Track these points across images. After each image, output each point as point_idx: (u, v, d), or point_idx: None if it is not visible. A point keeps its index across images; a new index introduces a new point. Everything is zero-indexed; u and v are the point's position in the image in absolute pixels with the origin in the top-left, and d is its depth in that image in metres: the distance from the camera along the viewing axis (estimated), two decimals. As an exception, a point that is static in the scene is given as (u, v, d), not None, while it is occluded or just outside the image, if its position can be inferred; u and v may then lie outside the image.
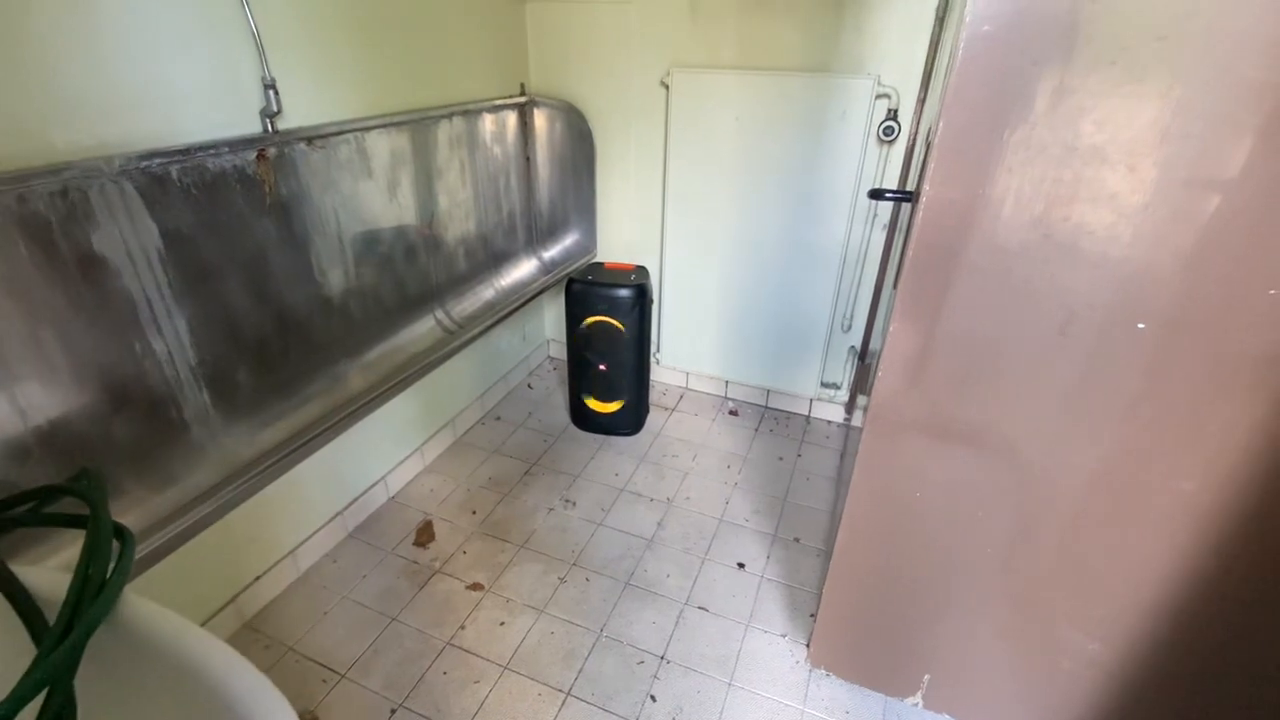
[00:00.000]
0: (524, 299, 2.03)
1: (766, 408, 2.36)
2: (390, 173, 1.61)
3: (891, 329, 0.97)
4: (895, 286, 1.02)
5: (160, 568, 1.14)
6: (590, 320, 1.99)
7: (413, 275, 1.77)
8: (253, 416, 1.37)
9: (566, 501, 1.88)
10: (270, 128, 1.29)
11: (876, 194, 0.99)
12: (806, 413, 2.32)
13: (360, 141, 1.51)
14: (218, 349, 1.28)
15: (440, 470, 2.01)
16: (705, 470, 2.03)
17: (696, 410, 2.34)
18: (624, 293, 1.94)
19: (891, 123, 1.68)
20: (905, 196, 0.91)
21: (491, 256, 2.10)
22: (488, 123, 1.95)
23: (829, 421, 2.28)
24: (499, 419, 2.27)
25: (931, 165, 0.86)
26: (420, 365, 1.68)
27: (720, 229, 2.07)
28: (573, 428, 2.22)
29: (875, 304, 2.00)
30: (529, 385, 2.48)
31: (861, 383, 2.11)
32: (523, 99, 2.07)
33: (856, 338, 2.12)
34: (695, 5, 1.85)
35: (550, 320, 2.62)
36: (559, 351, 2.65)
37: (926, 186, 0.87)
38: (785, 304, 2.09)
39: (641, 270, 2.09)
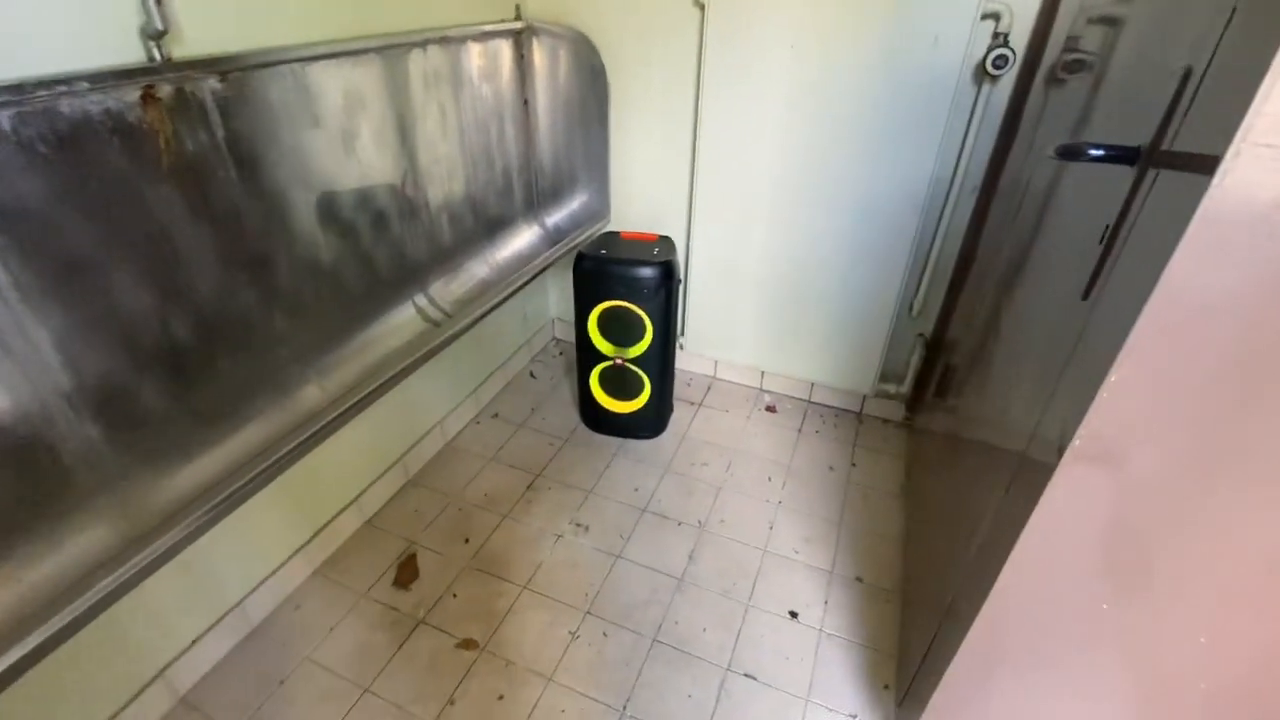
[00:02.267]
0: (525, 278, 1.67)
1: (810, 403, 2.02)
2: (345, 119, 1.23)
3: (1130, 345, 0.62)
4: (1086, 296, 0.66)
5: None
6: (605, 305, 1.63)
7: (384, 252, 1.41)
8: (168, 450, 1.04)
9: (578, 526, 1.57)
10: (159, 55, 0.91)
11: (1071, 152, 0.62)
12: (858, 409, 1.98)
13: (300, 77, 1.12)
14: (105, 365, 0.94)
15: (427, 484, 1.69)
16: (741, 483, 1.70)
17: (728, 405, 2.00)
18: (647, 273, 1.57)
19: (1004, 50, 1.27)
20: (1133, 156, 0.53)
21: (483, 225, 1.72)
22: (474, 55, 1.55)
23: (885, 421, 1.94)
24: (496, 417, 1.94)
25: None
26: (399, 367, 1.34)
27: (765, 190, 1.68)
28: (583, 429, 1.89)
29: (958, 285, 1.63)
30: (531, 374, 2.14)
31: (929, 377, 1.76)
32: (518, 25, 1.66)
33: (926, 324, 1.75)
34: (741, -104, 1.42)
35: (555, 296, 2.25)
36: (566, 333, 2.29)
37: (1241, 139, 0.49)
38: (842, 282, 1.72)
39: (666, 242, 1.71)
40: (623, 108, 1.77)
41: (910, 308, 1.71)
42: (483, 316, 1.56)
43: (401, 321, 1.48)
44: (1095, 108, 0.86)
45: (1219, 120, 0.49)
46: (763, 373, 2.04)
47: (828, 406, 2.00)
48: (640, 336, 1.67)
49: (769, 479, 1.72)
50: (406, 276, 1.49)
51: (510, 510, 1.61)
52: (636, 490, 1.67)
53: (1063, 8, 1.24)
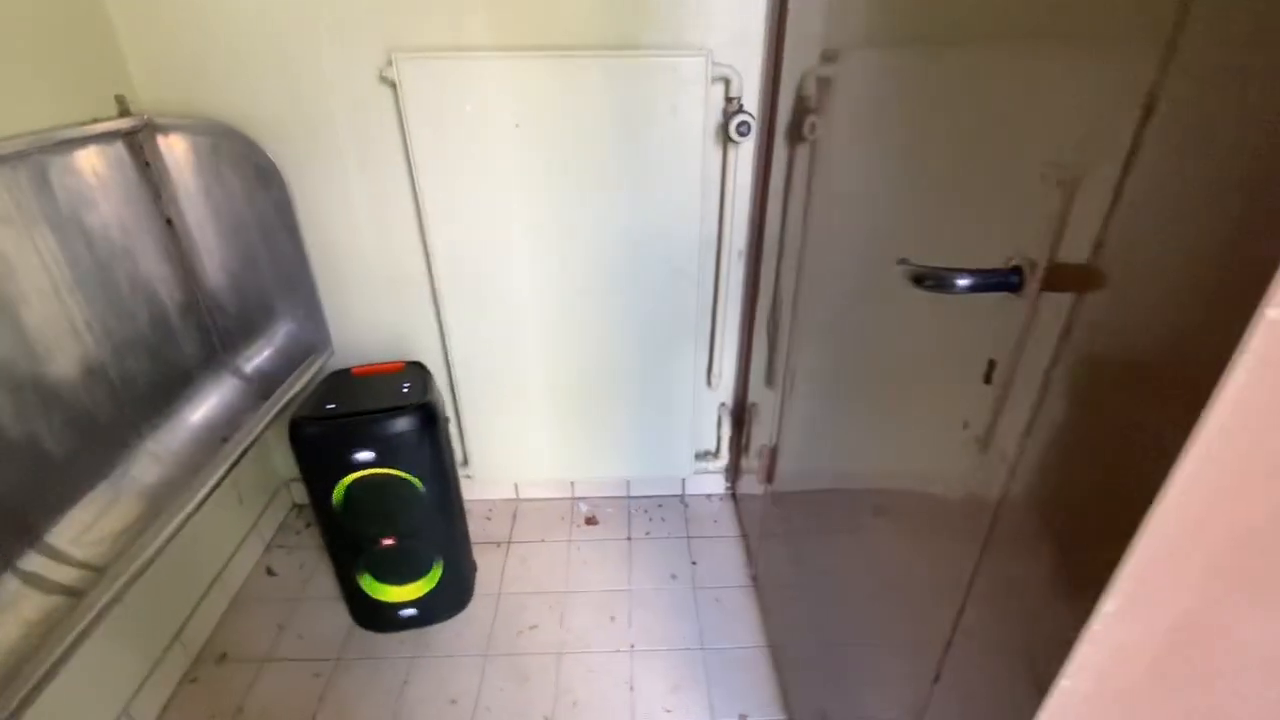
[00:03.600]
0: (224, 465, 1.15)
1: (630, 498, 1.79)
2: None
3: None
4: (985, 447, 0.50)
5: None
6: (351, 479, 1.20)
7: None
8: None
9: (382, 800, 1.11)
10: None
11: (935, 282, 0.47)
12: (680, 493, 1.80)
13: None
14: None
15: (115, 831, 1.07)
16: (583, 637, 1.39)
17: (541, 532, 1.68)
18: (402, 424, 1.19)
19: (745, 116, 1.18)
20: (1014, 281, 0.41)
21: (137, 402, 1.18)
22: (65, 172, 1.04)
23: (709, 496, 1.80)
24: (224, 659, 1.35)
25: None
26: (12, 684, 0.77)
27: (524, 287, 1.41)
28: (360, 633, 1.40)
29: (746, 349, 1.54)
30: (270, 571, 1.57)
31: (740, 443, 1.65)
32: (127, 123, 1.16)
33: (726, 393, 1.64)
34: (411, -50, 1.14)
35: (284, 452, 1.71)
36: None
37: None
38: (635, 370, 1.52)
39: (417, 372, 1.35)
40: (316, 209, 1.36)
41: (708, 380, 1.58)
42: (163, 547, 1.03)
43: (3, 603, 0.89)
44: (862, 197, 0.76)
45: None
46: (573, 482, 1.76)
47: (649, 497, 1.79)
48: (411, 505, 1.27)
49: (612, 619, 1.44)
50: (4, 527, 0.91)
51: (269, 819, 1.08)
52: (454, 703, 1.26)
53: (786, 66, 1.19)
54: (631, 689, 1.29)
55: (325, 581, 1.53)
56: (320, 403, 1.23)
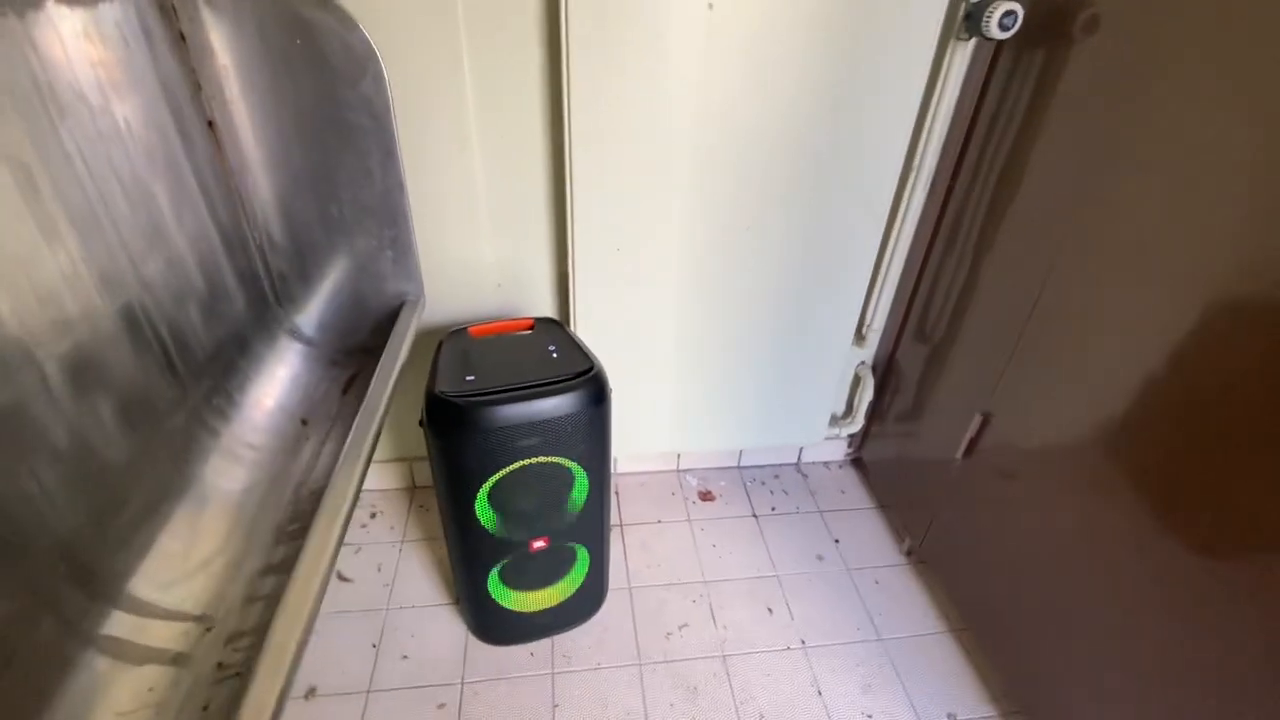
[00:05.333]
0: (355, 474, 0.84)
1: (741, 468, 1.59)
2: None
3: None
4: None
5: None
6: (504, 472, 0.93)
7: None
8: None
9: None
10: None
11: None
12: (796, 461, 1.62)
13: None
14: None
15: None
16: (744, 634, 1.21)
17: (656, 513, 1.46)
18: (572, 401, 0.91)
19: (1012, 4, 0.93)
20: None
21: (196, 373, 0.85)
22: (69, 41, 0.67)
23: (827, 464, 1.62)
24: (315, 693, 1.08)
25: None
26: None
27: (681, 217, 1.13)
28: (480, 646, 1.16)
29: (913, 298, 1.33)
30: (340, 577, 1.28)
31: (882, 406, 1.47)
32: (159, -31, 0.79)
33: (869, 351, 1.44)
34: None
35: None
36: (382, 480, 1.45)
37: None
38: (782, 320, 1.29)
39: (554, 330, 1.07)
40: (417, 114, 1.02)
41: (860, 335, 1.37)
42: (319, 598, 0.73)
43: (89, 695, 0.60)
44: None
45: None
46: (679, 455, 1.54)
47: (762, 467, 1.60)
48: (567, 499, 1.01)
49: (770, 610, 1.25)
50: (55, 591, 0.60)
51: None
52: (623, 727, 1.06)
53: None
54: (819, 692, 1.12)
55: (418, 585, 1.26)
56: (454, 375, 0.93)
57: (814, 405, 1.43)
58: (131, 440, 0.73)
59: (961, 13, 0.99)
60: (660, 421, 1.39)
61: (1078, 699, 0.92)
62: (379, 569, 1.29)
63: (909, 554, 1.37)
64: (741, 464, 1.59)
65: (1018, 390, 1.03)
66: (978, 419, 1.11)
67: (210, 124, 0.92)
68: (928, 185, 1.21)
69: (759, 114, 1.03)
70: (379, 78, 0.92)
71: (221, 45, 0.88)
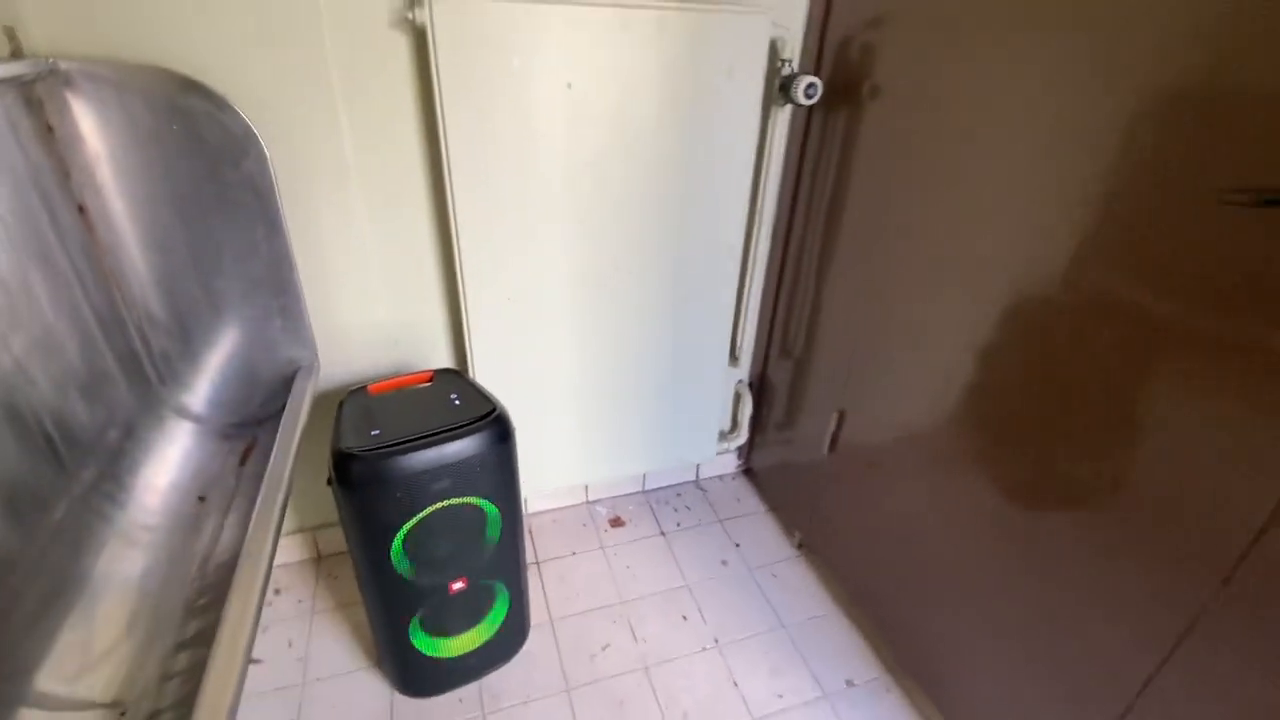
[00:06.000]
0: (266, 546, 0.85)
1: (646, 492, 1.70)
2: None
3: None
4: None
5: None
6: (416, 519, 0.97)
7: None
8: None
9: None
10: None
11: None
12: (695, 478, 1.75)
13: None
14: None
15: None
16: (663, 643, 1.29)
17: (568, 544, 1.52)
18: (479, 441, 0.98)
19: (811, 79, 1.14)
20: None
21: (83, 459, 0.84)
22: None
23: (722, 477, 1.77)
24: (234, 783, 1.03)
25: None
26: None
27: (566, 266, 1.23)
28: (406, 702, 1.16)
29: (770, 322, 1.52)
30: (253, 661, 1.22)
31: (761, 418, 1.64)
32: (20, 69, 0.80)
33: (744, 370, 1.62)
34: None
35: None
36: (283, 554, 1.40)
37: None
38: (668, 356, 1.43)
39: (454, 380, 1.13)
40: (297, 189, 1.07)
41: (733, 357, 1.54)
42: (245, 663, 0.74)
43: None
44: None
45: None
46: (586, 486, 1.62)
47: (666, 488, 1.71)
48: (481, 536, 1.06)
49: (684, 618, 1.35)
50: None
51: None
52: (558, 752, 1.10)
53: (831, 27, 1.19)
54: (735, 684, 1.22)
55: (335, 654, 1.23)
56: (357, 430, 0.97)
57: (703, 424, 1.57)
58: (19, 533, 0.71)
59: (776, 85, 1.21)
60: (566, 456, 1.47)
61: (948, 649, 1.09)
62: (289, 644, 1.25)
63: (800, 546, 1.53)
64: (646, 487, 1.70)
65: (861, 388, 1.22)
66: (835, 416, 1.30)
67: (81, 209, 0.92)
68: (771, 225, 1.41)
69: (624, 173, 1.18)
70: (261, 157, 0.97)
71: (92, 133, 0.90)
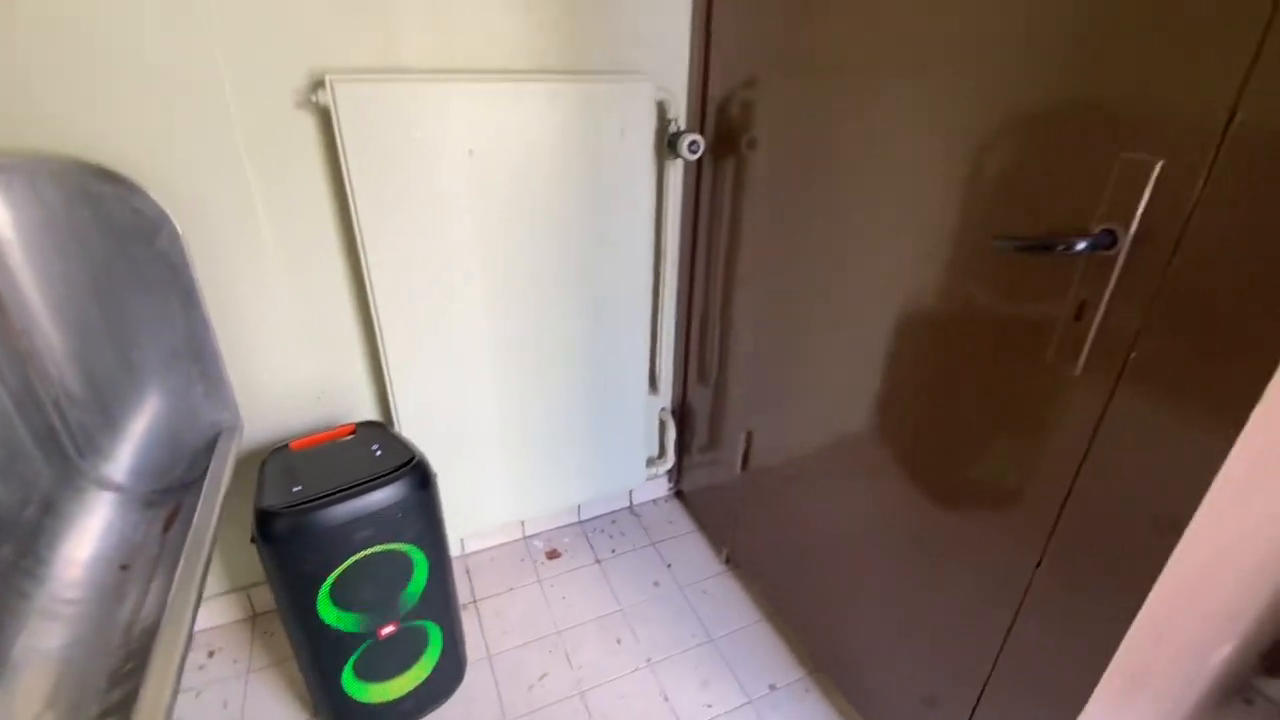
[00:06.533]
0: (187, 610, 0.88)
1: (582, 522, 1.76)
2: None
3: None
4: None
5: None
6: (340, 570, 1.02)
7: None
8: None
9: None
10: None
11: (1037, 245, 0.60)
12: (628, 504, 1.82)
13: None
14: None
15: None
16: (598, 667, 1.35)
17: (505, 581, 1.57)
18: (396, 490, 1.04)
19: (694, 136, 1.27)
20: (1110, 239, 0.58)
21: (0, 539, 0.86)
22: None
23: (654, 501, 1.85)
24: None
25: None
26: None
27: (483, 320, 1.31)
28: (348, 750, 1.18)
29: (685, 352, 1.63)
30: (186, 724, 1.23)
31: (684, 442, 1.74)
32: (-71, 166, 0.84)
33: (665, 398, 1.71)
34: (329, -39, 1.01)
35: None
36: (216, 615, 1.41)
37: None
38: (590, 391, 1.51)
39: (375, 431, 1.19)
40: (211, 263, 1.12)
41: (653, 386, 1.64)
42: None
43: None
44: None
45: None
46: (523, 522, 1.68)
47: (600, 517, 1.78)
48: (408, 581, 1.11)
49: (618, 641, 1.42)
50: None
51: None
52: (496, 783, 1.14)
53: (712, 87, 1.32)
54: (666, 699, 1.29)
55: (271, 710, 1.25)
56: (278, 487, 1.02)
57: (631, 452, 1.66)
58: (-66, 618, 0.74)
59: (665, 142, 1.33)
60: (499, 495, 1.53)
61: (860, 646, 1.19)
62: (225, 705, 1.26)
63: (727, 562, 1.62)
64: (582, 517, 1.76)
65: (765, 410, 1.33)
66: (744, 436, 1.40)
67: (-9, 295, 0.95)
68: (676, 265, 1.53)
69: (531, 229, 1.27)
70: (173, 235, 1.02)
71: (3, 219, 0.93)
